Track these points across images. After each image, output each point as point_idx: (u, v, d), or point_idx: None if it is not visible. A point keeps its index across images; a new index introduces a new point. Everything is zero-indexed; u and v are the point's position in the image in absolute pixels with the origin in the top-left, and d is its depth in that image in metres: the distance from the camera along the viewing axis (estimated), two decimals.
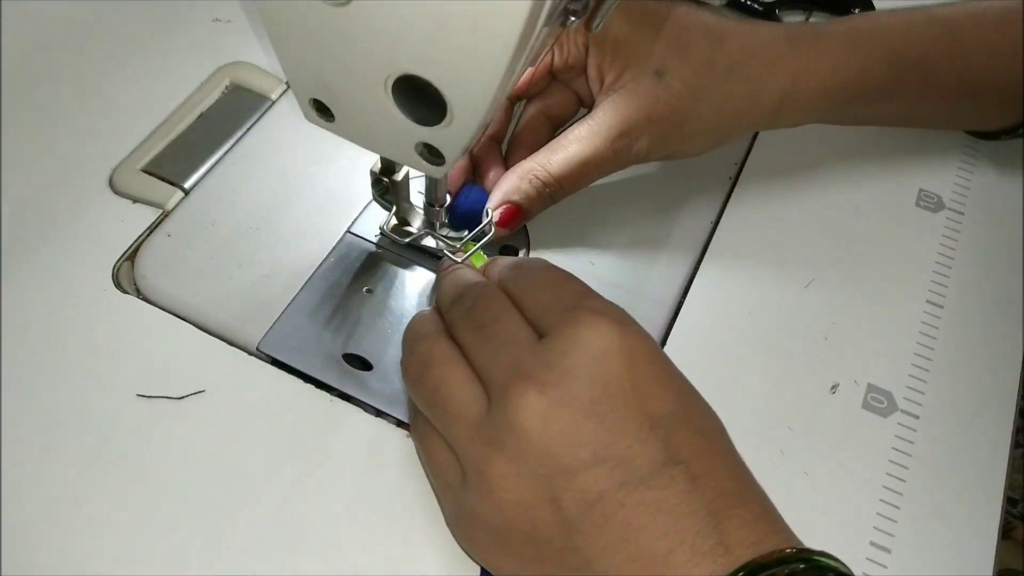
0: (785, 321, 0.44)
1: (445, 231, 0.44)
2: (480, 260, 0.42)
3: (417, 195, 0.43)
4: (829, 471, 0.40)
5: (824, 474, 0.40)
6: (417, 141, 0.33)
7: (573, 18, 0.30)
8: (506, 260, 0.38)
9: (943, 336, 0.44)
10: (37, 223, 0.44)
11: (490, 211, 0.41)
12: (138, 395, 0.39)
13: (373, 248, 0.44)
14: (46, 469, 0.37)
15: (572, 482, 0.30)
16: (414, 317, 0.38)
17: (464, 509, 0.32)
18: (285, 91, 0.51)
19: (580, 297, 0.33)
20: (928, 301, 0.46)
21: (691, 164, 0.50)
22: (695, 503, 0.29)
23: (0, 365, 0.39)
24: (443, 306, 0.37)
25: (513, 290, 0.35)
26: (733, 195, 0.49)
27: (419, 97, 0.31)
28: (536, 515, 0.30)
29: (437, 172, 0.35)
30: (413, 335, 0.36)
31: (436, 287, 0.41)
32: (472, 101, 0.30)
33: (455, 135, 0.32)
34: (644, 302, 0.44)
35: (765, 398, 0.42)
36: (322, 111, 0.35)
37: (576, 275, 0.37)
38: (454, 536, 0.35)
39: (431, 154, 0.34)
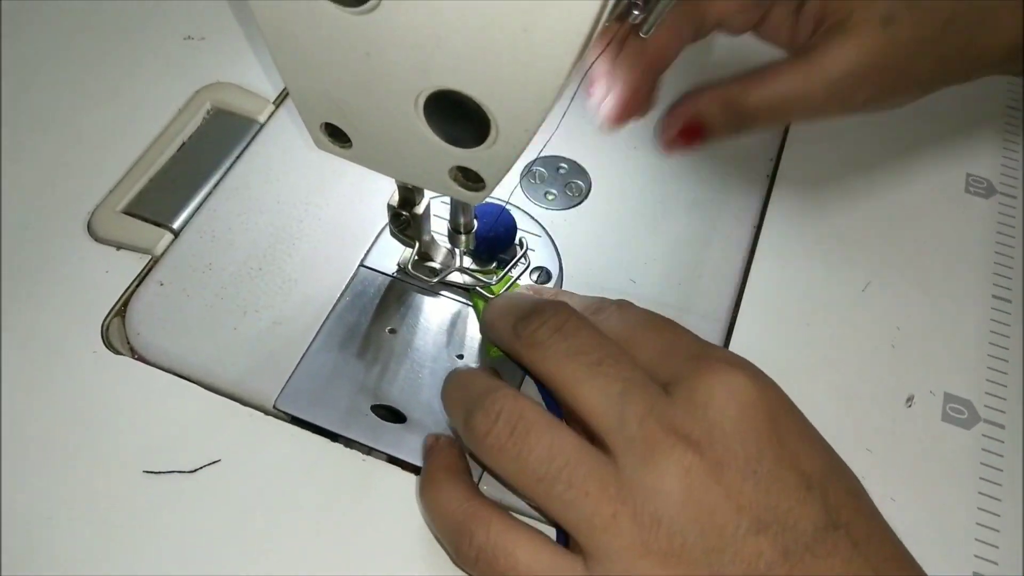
0: (847, 330, 0.41)
1: (469, 262, 0.39)
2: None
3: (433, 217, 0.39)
4: (918, 495, 0.36)
5: (913, 499, 0.36)
6: (452, 165, 0.29)
7: (636, 11, 0.26)
8: (584, 301, 0.34)
9: (1016, 333, 0.41)
10: (10, 279, 0.39)
11: (670, 127, 0.36)
12: (144, 472, 0.34)
13: (391, 282, 0.40)
14: (45, 569, 0.32)
15: (738, 554, 0.26)
16: (455, 373, 0.33)
17: None
18: (274, 112, 0.46)
19: (704, 346, 0.30)
20: (994, 296, 0.42)
21: (724, 161, 0.46)
22: (862, 572, 0.26)
23: None
24: (505, 327, 0.32)
25: (614, 333, 0.31)
26: (772, 195, 0.45)
27: (456, 115, 0.27)
28: None
29: (475, 199, 0.30)
30: (476, 392, 0.30)
31: (492, 317, 0.34)
32: (523, 117, 0.26)
33: (499, 156, 0.28)
34: (695, 320, 0.40)
35: (837, 418, 0.38)
36: (336, 136, 0.31)
37: (617, 294, 0.34)
38: None
39: (468, 179, 0.30)
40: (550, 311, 0.31)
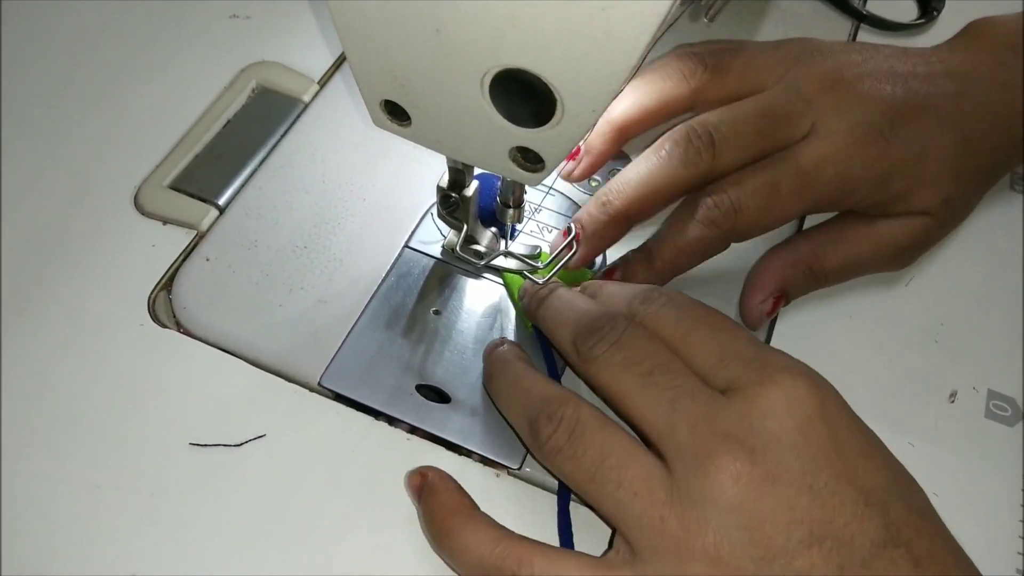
0: (890, 324, 0.41)
1: (519, 247, 0.39)
2: (569, 278, 0.38)
3: None
4: (961, 491, 0.36)
5: (956, 494, 0.36)
6: (513, 145, 0.29)
7: None
8: (630, 291, 0.33)
9: None
10: (59, 251, 0.39)
11: (760, 307, 0.38)
12: (191, 444, 0.34)
13: (435, 264, 0.40)
14: (92, 537, 0.32)
15: (789, 565, 0.26)
16: (502, 369, 0.34)
17: None
18: (319, 92, 0.46)
19: (761, 349, 0.30)
20: None
21: None
22: None
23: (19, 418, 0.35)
24: (565, 338, 0.32)
25: (662, 327, 0.31)
26: None
27: (522, 95, 0.27)
28: None
29: (533, 180, 0.30)
30: (538, 398, 0.31)
31: (550, 324, 0.35)
32: (591, 97, 0.26)
33: (562, 137, 0.28)
34: (738, 310, 0.40)
35: (880, 411, 0.37)
36: (395, 114, 0.31)
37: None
38: None
39: (527, 160, 0.30)
40: (608, 326, 0.31)
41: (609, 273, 0.38)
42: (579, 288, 0.36)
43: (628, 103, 0.38)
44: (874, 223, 0.38)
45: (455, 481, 0.33)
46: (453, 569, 0.31)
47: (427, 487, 0.32)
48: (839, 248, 0.38)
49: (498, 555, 0.29)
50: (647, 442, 0.30)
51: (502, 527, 0.31)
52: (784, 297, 0.38)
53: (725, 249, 0.37)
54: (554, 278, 0.36)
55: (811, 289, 0.39)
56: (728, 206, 0.35)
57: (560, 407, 0.30)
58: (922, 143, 0.37)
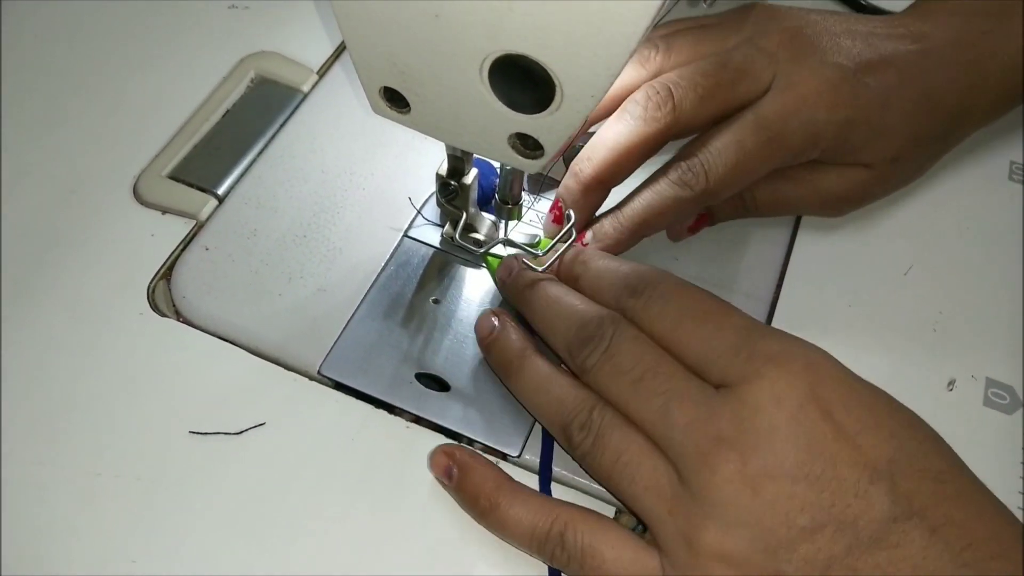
0: (889, 313, 0.41)
1: (518, 235, 0.39)
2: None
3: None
4: None
5: None
6: (511, 132, 0.29)
7: None
8: (618, 278, 0.34)
9: None
10: (58, 241, 0.39)
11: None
12: (190, 432, 0.34)
13: (434, 252, 0.40)
14: (92, 525, 0.32)
15: (794, 553, 0.26)
16: (521, 366, 0.34)
17: None
18: (318, 82, 0.46)
19: (750, 335, 0.29)
20: None
21: None
22: (940, 559, 0.25)
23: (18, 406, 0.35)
24: (559, 344, 0.33)
25: (651, 325, 0.31)
26: None
27: (521, 81, 0.27)
28: None
29: (533, 167, 0.30)
30: (566, 406, 0.32)
31: (520, 303, 0.36)
32: (590, 82, 0.26)
33: (561, 123, 0.28)
34: (738, 298, 0.40)
35: None
36: (394, 101, 0.31)
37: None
38: None
39: (526, 146, 0.30)
40: (597, 335, 0.32)
41: (579, 238, 0.38)
42: (569, 257, 0.36)
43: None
44: (814, 168, 0.37)
45: (483, 456, 0.33)
46: (501, 538, 0.32)
47: (459, 466, 0.33)
48: (777, 187, 0.38)
49: (548, 522, 0.31)
50: None
51: (541, 494, 0.33)
52: (710, 219, 0.40)
53: (700, 211, 0.39)
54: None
55: (740, 216, 0.40)
56: (699, 167, 0.35)
57: (588, 414, 0.31)
58: (886, 94, 0.36)
